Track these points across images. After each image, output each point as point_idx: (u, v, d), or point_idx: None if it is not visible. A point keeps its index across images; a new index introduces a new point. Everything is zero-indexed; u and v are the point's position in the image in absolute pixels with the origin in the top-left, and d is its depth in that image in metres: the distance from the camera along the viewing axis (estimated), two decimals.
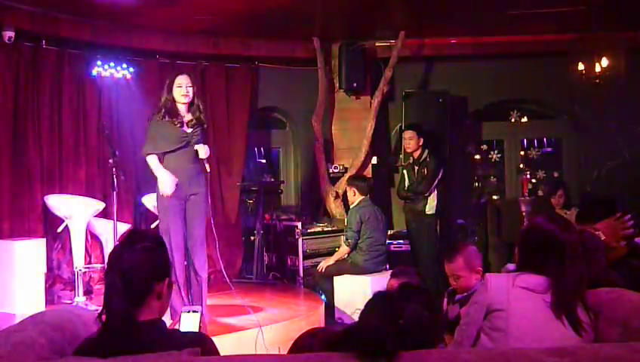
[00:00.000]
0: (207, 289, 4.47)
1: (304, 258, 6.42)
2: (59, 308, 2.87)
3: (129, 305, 1.80)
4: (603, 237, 2.53)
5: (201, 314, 2.42)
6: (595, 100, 6.70)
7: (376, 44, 7.10)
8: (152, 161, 4.23)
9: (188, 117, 4.30)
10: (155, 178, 4.26)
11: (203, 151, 4.25)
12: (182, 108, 4.28)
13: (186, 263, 4.35)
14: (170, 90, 4.25)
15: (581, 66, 6.57)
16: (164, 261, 1.93)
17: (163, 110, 4.24)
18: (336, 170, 7.03)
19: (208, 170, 4.31)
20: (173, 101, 4.26)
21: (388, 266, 5.89)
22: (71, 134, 5.97)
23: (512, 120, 7.64)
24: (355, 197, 5.95)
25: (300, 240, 6.44)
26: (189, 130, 4.28)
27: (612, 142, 6.87)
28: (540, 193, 7.40)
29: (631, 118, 6.73)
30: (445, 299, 3.27)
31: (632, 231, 2.61)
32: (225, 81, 6.93)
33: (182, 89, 4.22)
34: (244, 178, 7.08)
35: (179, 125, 4.24)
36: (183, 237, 4.28)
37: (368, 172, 7.02)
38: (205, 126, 4.43)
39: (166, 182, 4.17)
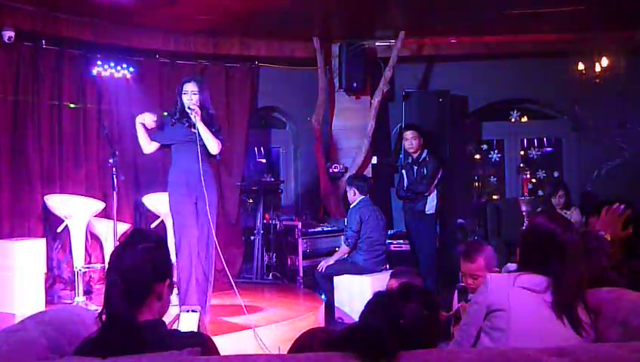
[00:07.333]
0: (212, 289, 4.51)
1: (304, 258, 6.42)
2: (59, 308, 2.88)
3: (129, 305, 1.80)
4: (609, 238, 2.53)
5: (202, 314, 2.42)
6: (595, 100, 6.70)
7: (377, 44, 7.10)
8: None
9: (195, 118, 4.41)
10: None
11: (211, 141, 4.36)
12: (190, 112, 4.40)
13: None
14: (178, 95, 4.46)
15: (581, 66, 6.56)
16: (165, 261, 1.93)
17: (177, 112, 4.46)
18: (336, 170, 7.02)
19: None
20: (182, 104, 4.43)
21: (388, 266, 5.89)
22: (71, 134, 5.97)
23: (512, 120, 7.64)
24: (355, 197, 5.94)
25: (300, 240, 6.43)
26: (195, 130, 4.37)
27: (612, 142, 6.87)
28: (541, 193, 7.39)
29: (631, 118, 6.73)
30: (456, 296, 3.24)
31: (629, 212, 2.61)
32: (225, 80, 6.92)
33: (187, 95, 4.39)
34: (244, 178, 7.08)
35: (187, 125, 4.40)
36: (196, 237, 4.33)
37: (368, 172, 7.02)
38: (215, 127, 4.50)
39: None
